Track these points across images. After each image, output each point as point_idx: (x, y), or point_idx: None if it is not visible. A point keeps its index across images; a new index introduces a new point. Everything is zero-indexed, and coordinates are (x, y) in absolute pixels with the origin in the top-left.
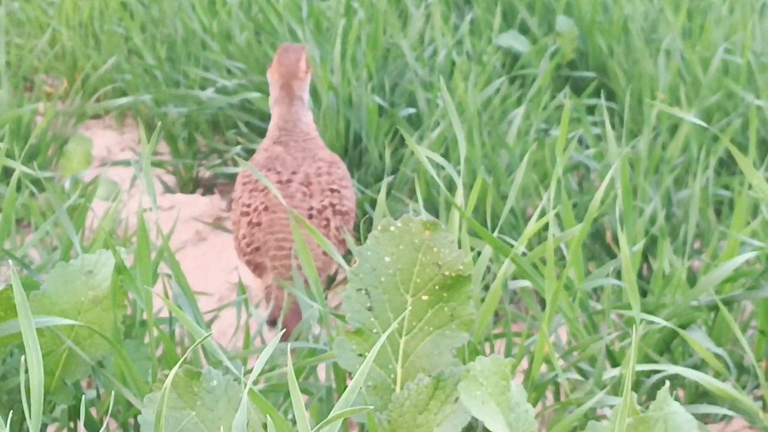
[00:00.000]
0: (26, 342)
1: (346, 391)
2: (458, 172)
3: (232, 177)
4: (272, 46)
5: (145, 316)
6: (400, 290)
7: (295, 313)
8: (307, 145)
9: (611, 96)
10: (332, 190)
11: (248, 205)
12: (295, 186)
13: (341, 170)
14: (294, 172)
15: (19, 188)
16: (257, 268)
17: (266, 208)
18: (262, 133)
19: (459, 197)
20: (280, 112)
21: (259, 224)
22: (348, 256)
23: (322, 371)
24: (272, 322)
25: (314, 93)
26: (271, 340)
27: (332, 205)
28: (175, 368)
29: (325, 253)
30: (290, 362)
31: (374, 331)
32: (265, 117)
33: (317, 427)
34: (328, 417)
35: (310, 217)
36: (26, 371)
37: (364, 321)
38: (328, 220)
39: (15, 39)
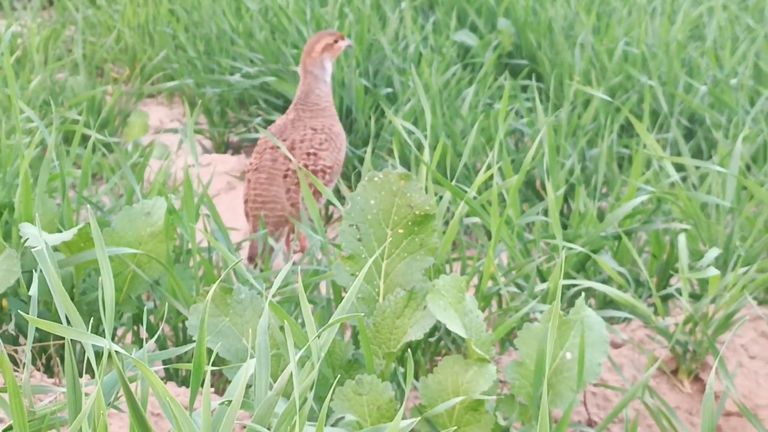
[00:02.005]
0: (101, 266)
1: (342, 302)
2: (425, 137)
3: (255, 141)
4: (284, 41)
5: (189, 246)
6: (382, 225)
7: (255, 249)
8: (310, 115)
9: (539, 78)
10: (308, 154)
11: (250, 164)
12: (280, 151)
13: (324, 135)
14: (284, 140)
15: (93, 150)
16: (245, 216)
17: (256, 169)
18: (277, 108)
19: (426, 155)
20: (299, 85)
21: (249, 181)
22: (341, 200)
23: (323, 287)
24: (249, 259)
25: None
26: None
27: (306, 166)
28: (214, 286)
29: (292, 205)
30: (300, 281)
31: (363, 256)
32: (279, 95)
33: (321, 329)
34: (329, 321)
35: (286, 176)
36: (101, 288)
37: (355, 249)
38: (298, 180)
39: (89, 37)
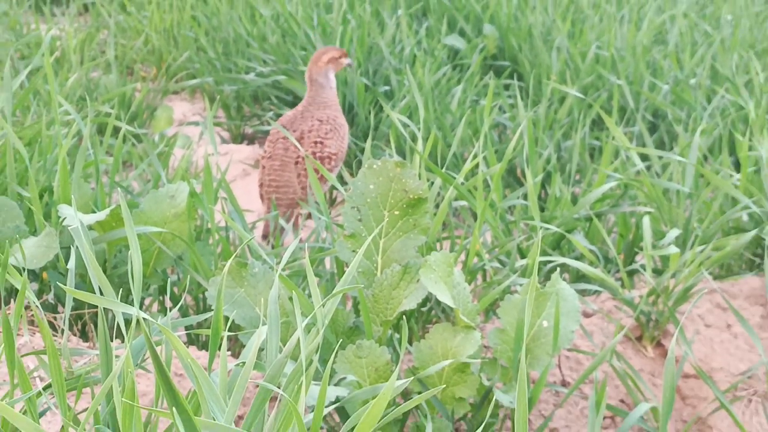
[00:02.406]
0: (130, 243)
1: (344, 275)
2: (418, 129)
3: (267, 132)
4: (294, 44)
5: (209, 225)
6: (380, 207)
7: (268, 228)
8: (317, 108)
9: (520, 78)
10: (316, 143)
11: (264, 152)
12: (291, 141)
13: (329, 126)
14: (294, 131)
15: (124, 140)
16: (260, 198)
17: (270, 157)
18: (287, 103)
19: (419, 145)
20: (307, 93)
21: (263, 167)
22: (344, 185)
23: (328, 262)
24: (263, 237)
25: None
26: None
27: (314, 154)
28: (230, 261)
29: (302, 189)
30: (307, 256)
31: (363, 235)
32: (289, 92)
33: (325, 299)
34: (333, 292)
35: (297, 163)
36: (130, 262)
37: (356, 228)
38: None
39: (120, 40)
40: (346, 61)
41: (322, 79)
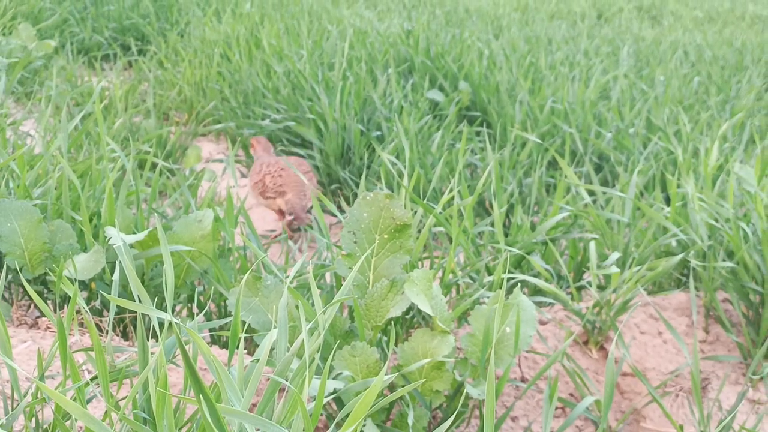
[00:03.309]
0: (165, 259)
1: (342, 288)
2: (404, 167)
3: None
4: (302, 96)
5: (230, 245)
6: (372, 232)
7: (301, 209)
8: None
9: (489, 126)
10: (305, 166)
11: (269, 171)
12: (292, 161)
13: (303, 161)
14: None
15: (160, 174)
16: (280, 195)
17: (282, 168)
18: (296, 145)
19: (405, 180)
20: (263, 160)
21: (280, 176)
22: (342, 213)
23: (328, 277)
24: (290, 215)
25: (324, 122)
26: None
27: (310, 171)
28: (247, 275)
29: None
30: (311, 272)
31: (357, 254)
32: (298, 136)
33: (326, 307)
34: (332, 301)
35: (306, 173)
36: (164, 275)
37: (352, 249)
38: (311, 177)
39: (158, 91)
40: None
41: (272, 151)
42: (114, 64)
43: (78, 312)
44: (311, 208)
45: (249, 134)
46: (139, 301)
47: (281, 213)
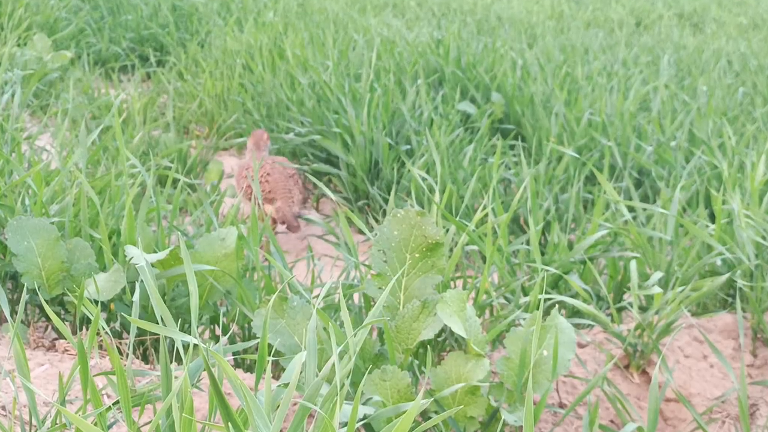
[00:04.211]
0: (188, 279)
1: (372, 309)
2: (436, 182)
3: (304, 184)
4: (327, 108)
5: (254, 264)
6: (402, 251)
7: (291, 216)
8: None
9: (524, 139)
10: (294, 170)
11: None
12: (277, 164)
13: (289, 163)
14: (274, 161)
15: (181, 190)
16: (269, 203)
17: (269, 173)
18: (322, 159)
19: (436, 197)
20: (252, 154)
21: (267, 182)
22: (371, 231)
23: (356, 298)
24: (282, 223)
25: (351, 136)
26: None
27: (296, 174)
28: (274, 296)
29: (300, 193)
30: (340, 292)
31: (388, 274)
32: (323, 150)
33: (356, 330)
34: (363, 324)
35: (291, 177)
36: (185, 296)
37: (382, 268)
38: (297, 180)
39: (178, 104)
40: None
41: (266, 149)
42: (132, 75)
43: (97, 334)
44: (299, 215)
45: (272, 149)
46: (162, 323)
47: (273, 221)
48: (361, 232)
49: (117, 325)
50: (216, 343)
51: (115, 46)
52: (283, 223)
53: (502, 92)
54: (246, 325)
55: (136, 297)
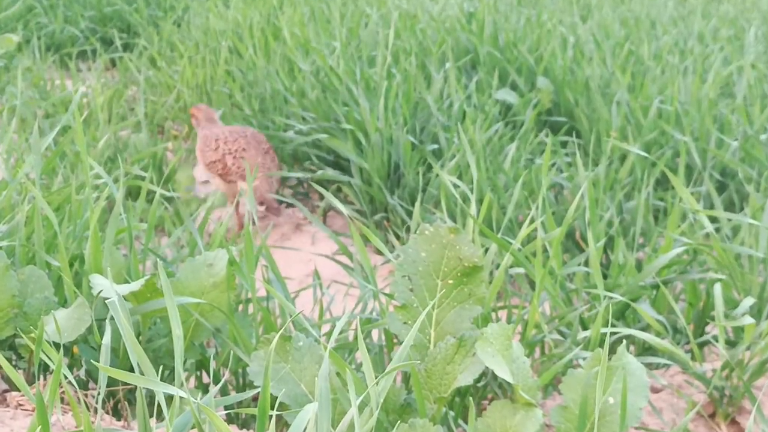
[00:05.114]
0: (171, 316)
1: (399, 350)
2: (471, 190)
3: (307, 195)
4: (335, 100)
5: (249, 295)
6: (432, 276)
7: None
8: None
9: (578, 134)
10: (265, 142)
11: (228, 150)
12: (250, 136)
13: (260, 134)
14: (245, 133)
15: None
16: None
17: (243, 149)
18: (329, 164)
19: (473, 208)
20: (213, 132)
21: (242, 158)
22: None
23: (375, 334)
24: (261, 204)
25: (364, 133)
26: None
27: (270, 148)
28: (277, 335)
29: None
30: (359, 329)
31: (414, 305)
32: (331, 152)
33: (380, 377)
34: (387, 369)
35: (266, 152)
36: (164, 336)
37: (407, 298)
38: (273, 157)
39: (150, 97)
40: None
41: (218, 118)
42: (93, 62)
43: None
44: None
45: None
46: (139, 370)
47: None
48: (379, 252)
49: (81, 373)
50: (204, 394)
51: (71, 26)
52: (261, 204)
53: (550, 77)
54: (240, 371)
55: (107, 339)
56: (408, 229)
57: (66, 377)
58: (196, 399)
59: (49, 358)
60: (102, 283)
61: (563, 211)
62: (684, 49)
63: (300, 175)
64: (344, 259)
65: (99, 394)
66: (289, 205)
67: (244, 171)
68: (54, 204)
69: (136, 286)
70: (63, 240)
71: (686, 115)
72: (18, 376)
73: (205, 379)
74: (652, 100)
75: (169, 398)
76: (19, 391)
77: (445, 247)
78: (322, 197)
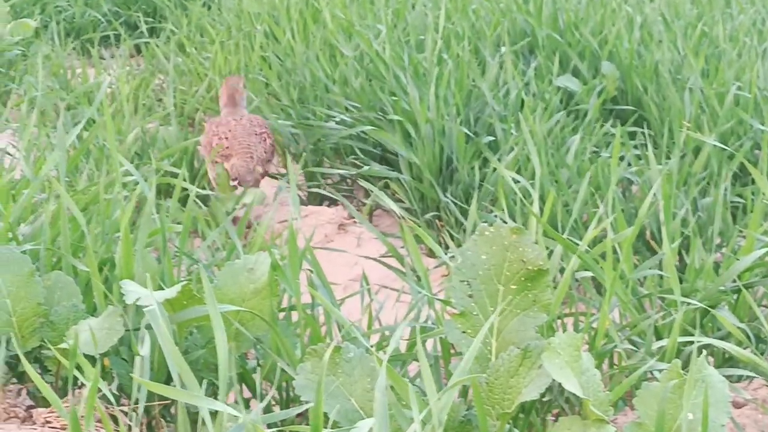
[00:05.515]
0: (214, 326)
1: (461, 362)
2: (532, 186)
3: (351, 191)
4: (381, 89)
5: (292, 301)
6: (493, 281)
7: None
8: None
9: (647, 124)
10: (265, 126)
11: (217, 131)
12: (245, 121)
13: (263, 121)
14: (242, 117)
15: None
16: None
17: (230, 131)
18: (375, 158)
19: (535, 206)
20: (228, 111)
21: (227, 138)
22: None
23: (430, 344)
24: (234, 179)
25: (414, 125)
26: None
27: (266, 132)
28: (331, 347)
29: (265, 152)
30: (419, 341)
31: (474, 313)
32: (377, 145)
33: (441, 392)
34: (450, 383)
35: (256, 134)
36: (203, 347)
37: (466, 305)
38: (265, 138)
39: (179, 86)
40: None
41: (243, 101)
42: (116, 49)
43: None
44: (263, 174)
45: (306, 146)
46: (181, 384)
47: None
48: (430, 254)
49: (113, 388)
50: (246, 409)
51: (92, 10)
52: (234, 179)
53: (615, 61)
54: (284, 385)
55: (146, 350)
56: (463, 230)
57: (109, 397)
58: (245, 416)
59: (80, 371)
60: (135, 290)
61: (632, 209)
62: (762, 29)
63: (343, 171)
64: (393, 261)
65: (135, 410)
66: (331, 203)
67: (226, 151)
68: (81, 204)
69: (171, 292)
70: (91, 243)
71: (766, 103)
72: (51, 392)
73: (245, 393)
74: (729, 87)
75: (214, 416)
76: (45, 407)
77: (507, 249)
78: (367, 194)
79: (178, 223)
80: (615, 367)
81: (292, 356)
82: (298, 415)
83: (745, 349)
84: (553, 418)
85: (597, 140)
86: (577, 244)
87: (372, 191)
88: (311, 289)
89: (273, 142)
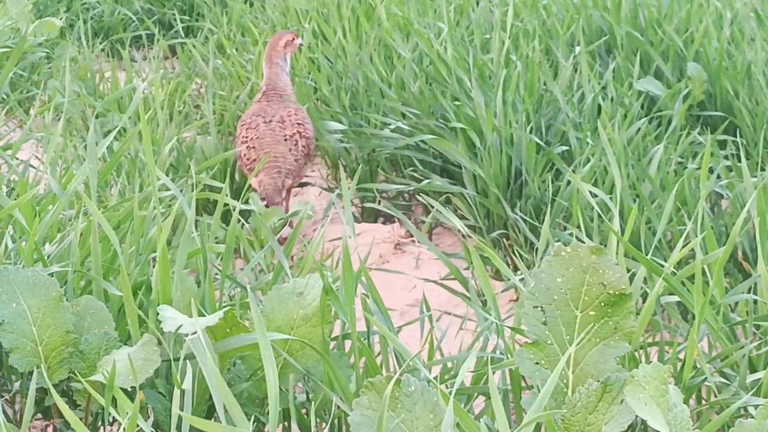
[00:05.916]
0: (264, 355)
1: (538, 398)
2: (611, 201)
3: (410, 208)
4: (443, 93)
5: (345, 329)
6: (570, 307)
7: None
8: (280, 100)
9: (738, 132)
10: (298, 124)
11: (246, 137)
12: (275, 123)
13: (303, 113)
14: (273, 116)
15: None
16: (251, 171)
17: (258, 137)
18: (435, 170)
19: (615, 223)
20: (265, 74)
21: (254, 147)
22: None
23: (497, 375)
24: (262, 200)
25: (479, 133)
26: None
27: (299, 133)
28: (393, 381)
29: (296, 160)
30: (491, 377)
31: (548, 342)
32: (439, 156)
33: (517, 429)
34: (525, 421)
35: (286, 139)
36: (247, 379)
37: (539, 334)
38: (297, 141)
39: (219, 91)
40: (298, 41)
41: (282, 63)
42: (150, 50)
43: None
44: (292, 185)
45: (360, 156)
46: (227, 421)
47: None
48: (498, 277)
49: (149, 423)
50: None
51: (123, 7)
52: (263, 199)
53: (702, 62)
54: (338, 422)
55: (188, 383)
56: (534, 250)
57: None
58: None
59: (114, 407)
60: (173, 316)
61: (722, 227)
62: None
63: (401, 187)
64: (456, 284)
65: None
66: (387, 220)
67: (253, 163)
68: (113, 221)
69: (214, 319)
70: (125, 264)
71: None
72: (84, 430)
73: (294, 429)
74: None
75: None
76: None
77: (585, 272)
78: (427, 211)
79: (219, 242)
80: (704, 402)
81: (346, 390)
82: None
83: None
84: None
85: (683, 150)
86: (662, 266)
87: (432, 207)
88: (367, 314)
89: (309, 140)
